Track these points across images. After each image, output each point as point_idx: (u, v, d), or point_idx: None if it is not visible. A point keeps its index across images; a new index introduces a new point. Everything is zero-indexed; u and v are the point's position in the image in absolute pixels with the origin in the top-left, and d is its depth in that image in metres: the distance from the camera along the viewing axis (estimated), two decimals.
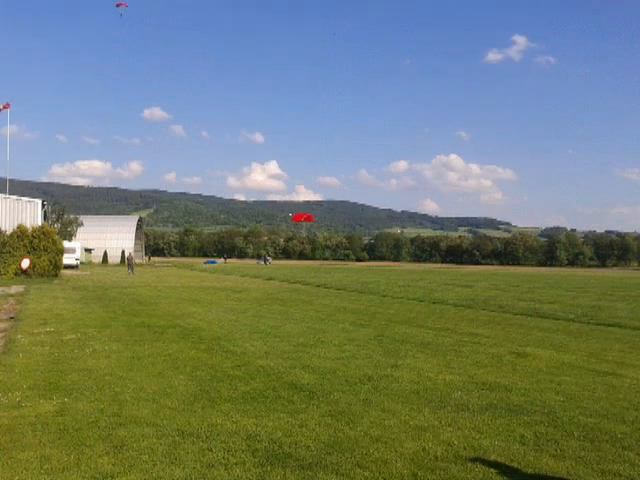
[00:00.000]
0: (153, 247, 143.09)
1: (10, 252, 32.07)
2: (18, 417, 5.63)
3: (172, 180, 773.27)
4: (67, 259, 43.93)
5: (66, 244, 44.65)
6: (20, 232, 32.70)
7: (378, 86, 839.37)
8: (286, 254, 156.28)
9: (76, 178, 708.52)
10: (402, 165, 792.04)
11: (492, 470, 4.51)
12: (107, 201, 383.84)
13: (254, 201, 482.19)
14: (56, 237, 34.64)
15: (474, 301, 21.64)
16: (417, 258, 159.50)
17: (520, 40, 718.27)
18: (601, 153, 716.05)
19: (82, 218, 74.50)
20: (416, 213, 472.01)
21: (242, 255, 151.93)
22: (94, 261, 73.96)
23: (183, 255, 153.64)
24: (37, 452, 4.71)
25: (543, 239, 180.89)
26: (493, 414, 6.07)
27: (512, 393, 6.99)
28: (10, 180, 41.93)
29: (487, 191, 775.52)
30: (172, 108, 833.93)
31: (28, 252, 32.41)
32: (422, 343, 10.84)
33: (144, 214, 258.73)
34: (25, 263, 31.99)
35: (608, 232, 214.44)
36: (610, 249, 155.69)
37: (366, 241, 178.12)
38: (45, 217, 40.32)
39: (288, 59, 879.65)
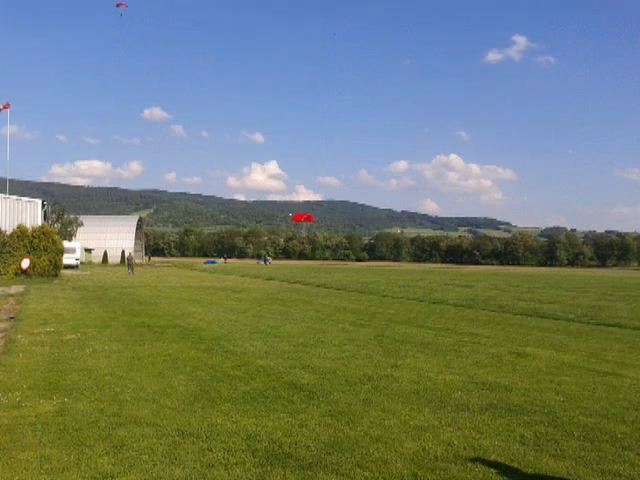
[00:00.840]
0: (153, 247, 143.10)
1: (10, 252, 32.08)
2: (18, 417, 5.63)
3: (172, 180, 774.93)
4: (67, 259, 43.94)
5: (66, 244, 44.65)
6: (20, 232, 32.71)
7: (378, 86, 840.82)
8: (286, 254, 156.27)
9: (76, 178, 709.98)
10: (402, 165, 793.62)
11: (492, 470, 4.51)
12: (107, 201, 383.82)
13: (254, 201, 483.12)
14: (56, 237, 34.65)
15: (474, 301, 21.64)
16: (417, 258, 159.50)
17: (520, 40, 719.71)
18: (601, 153, 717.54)
19: (82, 218, 74.55)
20: (416, 213, 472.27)
21: (242, 255, 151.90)
22: (94, 261, 73.99)
23: (183, 255, 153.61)
24: (37, 452, 4.70)
25: (543, 239, 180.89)
26: (493, 414, 6.07)
27: (512, 393, 6.99)
28: (10, 180, 41.95)
29: (487, 191, 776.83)
30: (172, 108, 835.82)
31: (28, 252, 32.42)
32: (422, 343, 10.84)
33: (144, 214, 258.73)
34: (25, 263, 31.99)
35: (608, 232, 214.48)
36: (610, 249, 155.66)
37: (366, 241, 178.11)
38: (45, 217, 40.32)
39: (288, 59, 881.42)
